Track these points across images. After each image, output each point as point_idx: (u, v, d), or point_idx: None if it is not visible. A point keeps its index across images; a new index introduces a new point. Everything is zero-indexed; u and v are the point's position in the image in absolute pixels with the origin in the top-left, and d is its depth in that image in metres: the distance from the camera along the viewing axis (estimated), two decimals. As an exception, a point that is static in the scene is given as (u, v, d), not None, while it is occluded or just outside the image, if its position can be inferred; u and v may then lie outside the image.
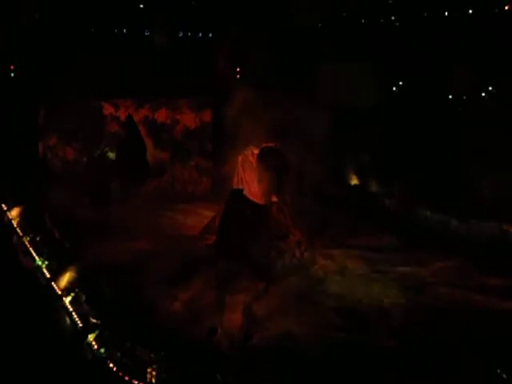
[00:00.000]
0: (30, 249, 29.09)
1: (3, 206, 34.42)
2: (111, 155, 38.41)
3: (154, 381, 17.97)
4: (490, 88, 35.95)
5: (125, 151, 39.17)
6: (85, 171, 38.45)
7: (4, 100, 37.64)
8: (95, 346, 20.09)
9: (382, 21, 39.51)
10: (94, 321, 21.40)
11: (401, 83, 38.90)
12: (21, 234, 31.13)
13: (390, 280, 26.19)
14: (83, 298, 23.11)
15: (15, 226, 32.16)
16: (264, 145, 32.09)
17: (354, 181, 37.41)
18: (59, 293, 24.31)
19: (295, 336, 21.43)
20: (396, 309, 23.55)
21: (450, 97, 36.93)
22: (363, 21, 39.83)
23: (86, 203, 35.65)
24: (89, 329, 21.12)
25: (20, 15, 38.53)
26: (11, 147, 37.03)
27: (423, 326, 22.06)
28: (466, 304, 23.71)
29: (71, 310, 22.73)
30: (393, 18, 39.12)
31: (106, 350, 19.74)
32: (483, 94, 36.13)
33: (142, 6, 41.55)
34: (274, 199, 30.45)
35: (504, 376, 16.88)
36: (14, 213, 33.41)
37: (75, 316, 22.24)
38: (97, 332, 20.70)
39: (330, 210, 33.80)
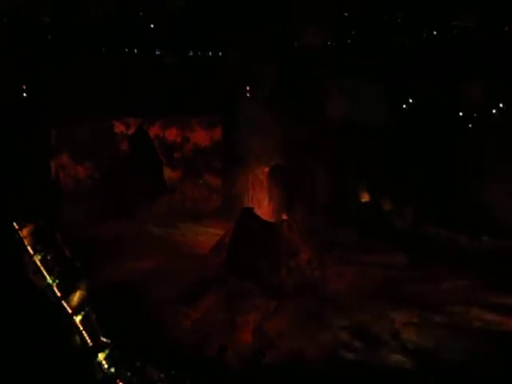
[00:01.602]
0: (41, 267, 29.14)
1: (15, 224, 34.53)
2: None
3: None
4: (501, 105, 35.89)
5: (138, 165, 39.22)
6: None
7: (16, 120, 37.95)
8: (105, 365, 20.07)
9: (392, 40, 39.66)
10: (104, 340, 21.38)
11: (411, 101, 38.90)
12: (32, 252, 31.18)
13: (401, 298, 25.98)
14: (93, 316, 23.11)
15: (26, 244, 32.24)
16: (274, 163, 32.21)
17: (365, 198, 37.28)
18: (69, 311, 24.32)
19: (306, 355, 21.35)
20: (407, 328, 23.39)
21: (461, 114, 36.87)
22: (373, 39, 39.99)
23: (98, 220, 35.68)
24: (99, 348, 21.11)
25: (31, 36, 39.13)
26: (24, 167, 37.26)
27: (435, 345, 21.91)
28: (479, 323, 23.50)
29: (81, 328, 22.73)
30: (402, 37, 39.29)
31: (115, 369, 19.71)
32: (494, 111, 36.06)
33: (152, 26, 41.95)
34: (285, 217, 30.42)
35: None
36: (26, 231, 33.49)
37: (85, 335, 22.23)
38: (107, 351, 20.68)
39: (341, 227, 33.66)
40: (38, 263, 29.51)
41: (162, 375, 18.60)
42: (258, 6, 39.47)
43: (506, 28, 35.47)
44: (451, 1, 37.19)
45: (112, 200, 38.20)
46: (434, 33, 37.90)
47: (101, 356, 20.46)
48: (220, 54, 41.64)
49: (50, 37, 40.58)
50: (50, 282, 27.29)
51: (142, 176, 38.62)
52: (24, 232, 33.10)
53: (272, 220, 30.49)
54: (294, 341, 22.43)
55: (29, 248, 31.58)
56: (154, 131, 40.59)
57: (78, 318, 23.40)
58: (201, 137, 40.90)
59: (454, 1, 37.09)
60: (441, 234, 32.10)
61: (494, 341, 21.90)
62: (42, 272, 28.64)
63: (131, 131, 40.33)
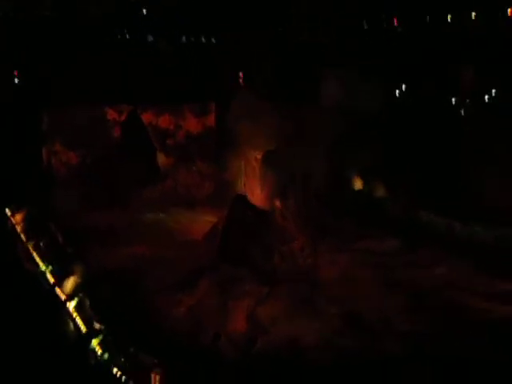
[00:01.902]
0: (34, 254, 29.12)
1: (7, 211, 34.45)
2: None
3: (157, 386, 18.00)
4: (493, 92, 35.94)
5: (130, 151, 39.12)
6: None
7: (7, 106, 37.75)
8: (99, 351, 20.11)
9: (385, 26, 39.57)
10: (98, 326, 21.42)
11: (404, 87, 38.90)
12: (25, 239, 31.15)
13: (394, 284, 26.09)
14: (87, 303, 23.14)
15: (19, 231, 32.19)
16: (267, 150, 32.17)
17: (358, 185, 37.33)
18: (63, 298, 24.34)
19: (299, 342, 21.42)
20: (400, 314, 23.50)
21: (453, 100, 36.90)
22: (366, 26, 39.89)
23: (90, 207, 35.66)
24: (92, 334, 21.14)
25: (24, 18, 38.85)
26: (15, 153, 37.11)
27: (429, 331, 22.02)
28: (472, 309, 23.64)
29: (75, 315, 22.76)
30: (396, 23, 39.19)
31: (109, 355, 19.76)
32: (486, 97, 36.11)
33: (145, 11, 41.69)
34: (278, 204, 30.46)
35: None
36: (18, 218, 33.43)
37: (79, 321, 22.26)
38: (100, 337, 20.72)
39: (334, 214, 33.71)
40: (31, 250, 29.50)
41: (155, 361, 18.64)
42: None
43: (500, 14, 35.42)
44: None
45: (104, 187, 38.17)
46: (427, 20, 37.80)
47: (94, 342, 20.50)
48: (213, 40, 41.46)
49: (41, 23, 40.26)
50: (43, 268, 27.30)
51: (135, 162, 38.58)
52: (16, 218, 33.07)
53: (265, 207, 30.53)
54: (286, 327, 22.51)
55: (21, 235, 31.55)
56: (146, 118, 40.51)
57: (71, 305, 23.42)
58: (193, 124, 40.87)
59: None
60: (433, 220, 32.21)
61: (486, 327, 22.04)
62: (34, 259, 28.65)
63: (124, 118, 40.22)
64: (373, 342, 21.47)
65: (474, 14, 35.88)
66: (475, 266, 27.62)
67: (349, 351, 20.87)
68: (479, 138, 32.54)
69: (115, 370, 18.88)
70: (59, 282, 25.33)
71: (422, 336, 21.84)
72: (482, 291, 25.20)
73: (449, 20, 37.25)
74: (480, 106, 36.09)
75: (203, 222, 33.52)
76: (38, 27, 39.25)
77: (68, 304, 23.45)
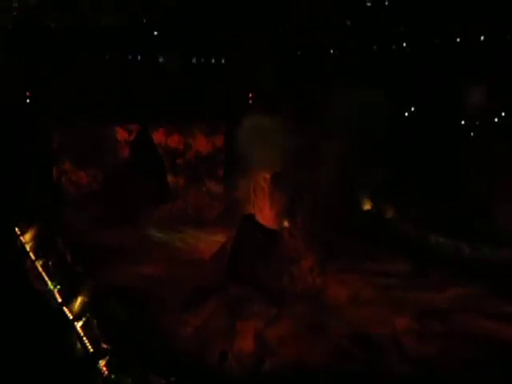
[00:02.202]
0: (43, 273, 29.20)
1: (16, 229, 34.62)
2: None
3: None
4: (503, 113, 35.93)
5: (140, 171, 39.25)
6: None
7: (19, 125, 38.08)
8: (106, 372, 20.05)
9: (393, 47, 39.74)
10: (105, 346, 21.38)
11: (413, 108, 38.95)
12: (33, 257, 31.26)
13: (403, 306, 25.90)
14: (95, 322, 23.12)
15: (28, 249, 32.32)
16: (276, 170, 32.21)
17: (367, 206, 37.24)
18: (71, 317, 24.34)
19: (307, 363, 21.29)
20: (409, 336, 23.33)
21: (463, 122, 36.89)
22: (375, 47, 40.07)
23: (100, 226, 35.74)
24: (100, 354, 21.10)
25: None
26: (25, 172, 37.36)
27: (436, 353, 21.85)
28: (480, 331, 23.44)
29: (82, 334, 22.74)
30: (404, 44, 39.35)
31: (116, 376, 19.70)
32: (496, 120, 36.09)
33: (156, 33, 42.09)
34: (286, 224, 30.41)
35: None
36: (28, 236, 33.59)
37: (86, 341, 22.23)
38: (108, 357, 20.67)
39: (343, 234, 33.61)
40: (40, 269, 29.59)
41: (163, 382, 18.57)
42: (260, 9, 39.65)
43: (508, 36, 35.52)
44: (454, 9, 37.24)
45: (114, 206, 38.28)
46: (436, 41, 37.93)
47: (101, 362, 20.45)
48: (223, 61, 41.76)
49: (53, 42, 40.71)
50: (52, 287, 27.34)
51: (146, 182, 38.69)
52: (26, 237, 33.22)
53: (273, 227, 30.47)
54: (294, 348, 22.39)
55: (31, 253, 31.67)
56: (156, 138, 40.73)
57: (79, 324, 23.42)
58: (203, 144, 41.01)
59: (456, 9, 37.14)
60: (442, 242, 32.05)
61: (494, 349, 21.84)
62: (43, 277, 28.72)
63: (133, 137, 40.47)
64: (382, 364, 21.28)
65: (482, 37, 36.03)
66: (484, 288, 27.43)
67: (357, 373, 20.71)
68: (489, 160, 32.42)
69: (122, 390, 18.79)
70: (67, 301, 25.33)
71: (431, 358, 21.63)
72: (490, 313, 24.99)
73: (458, 41, 37.37)
74: (490, 127, 36.06)
75: (212, 241, 33.48)
76: (47, 42, 39.71)
77: (75, 323, 23.43)
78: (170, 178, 40.84)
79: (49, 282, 27.52)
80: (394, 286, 28.27)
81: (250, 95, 40.51)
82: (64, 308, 24.91)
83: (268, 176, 32.21)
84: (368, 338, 23.36)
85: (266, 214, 31.78)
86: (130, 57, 42.19)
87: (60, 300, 25.74)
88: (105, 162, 39.83)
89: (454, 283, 28.23)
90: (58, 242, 31.61)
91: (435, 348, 22.47)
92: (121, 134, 40.41)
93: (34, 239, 32.68)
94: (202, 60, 42.09)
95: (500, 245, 30.12)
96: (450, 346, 22.48)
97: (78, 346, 22.26)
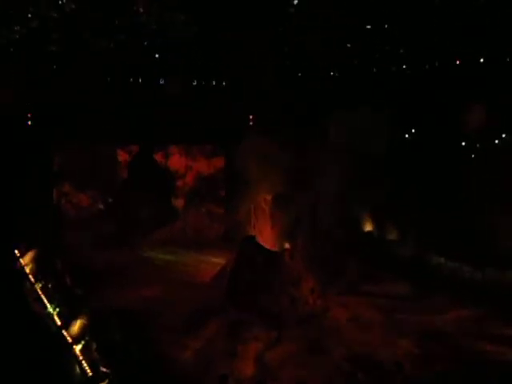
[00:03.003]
0: (42, 296, 29.07)
1: (16, 252, 34.54)
2: None
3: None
4: (504, 135, 36.01)
5: (141, 192, 39.25)
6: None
7: (20, 147, 38.19)
8: (104, 396, 19.90)
9: (393, 69, 39.97)
10: (104, 370, 21.21)
11: (413, 130, 39.06)
12: (33, 280, 31.15)
13: (405, 329, 25.76)
14: (94, 346, 22.97)
15: (28, 272, 32.21)
16: (277, 192, 32.24)
17: (368, 227, 37.19)
18: (70, 340, 24.19)
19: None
20: (411, 358, 23.15)
21: (463, 144, 36.96)
22: (375, 70, 40.31)
23: (99, 248, 35.71)
24: (99, 378, 20.93)
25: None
26: (26, 194, 37.37)
27: (438, 376, 21.67)
28: (482, 355, 23.28)
29: (81, 358, 22.58)
30: (404, 66, 39.58)
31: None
32: (496, 141, 36.16)
33: (157, 55, 42.39)
34: (287, 246, 30.35)
35: None
36: (27, 259, 33.51)
37: (85, 364, 22.07)
38: (107, 381, 20.51)
39: (344, 256, 33.53)
40: (39, 291, 29.46)
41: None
42: (262, 24, 39.97)
43: (508, 59, 35.73)
44: (454, 31, 37.53)
45: (115, 228, 38.29)
46: (436, 64, 38.15)
47: (100, 386, 20.27)
48: (224, 83, 41.99)
49: (54, 65, 41.01)
50: (51, 310, 27.20)
51: (146, 203, 38.65)
52: (25, 260, 33.13)
53: (274, 249, 30.41)
54: (295, 371, 22.22)
55: (30, 276, 31.56)
56: (156, 159, 40.85)
57: (78, 348, 23.26)
58: (204, 165, 41.12)
59: (456, 31, 37.43)
60: (444, 263, 31.94)
61: (497, 373, 21.64)
62: (42, 300, 28.58)
63: (132, 158, 40.59)
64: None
65: (482, 59, 36.25)
66: (487, 310, 27.28)
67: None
68: (490, 180, 32.45)
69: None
70: (66, 324, 25.19)
71: (433, 381, 21.47)
72: (493, 336, 24.84)
73: (457, 63, 37.58)
74: (491, 148, 36.14)
75: (212, 263, 33.41)
76: (48, 64, 39.99)
77: (74, 347, 23.28)
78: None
79: (48, 305, 27.37)
80: (395, 308, 28.14)
81: (251, 117, 40.68)
82: (63, 331, 24.74)
83: (269, 197, 32.21)
84: (369, 360, 23.20)
85: (266, 236, 31.72)
86: (131, 80, 42.45)
87: (59, 323, 25.58)
88: (105, 183, 39.90)
89: (455, 305, 28.09)
90: (57, 264, 31.52)
91: (437, 371, 22.29)
92: (122, 156, 40.52)
93: (34, 261, 32.60)
94: (203, 82, 42.35)
95: (502, 266, 29.99)
96: (452, 369, 22.30)
97: (77, 369, 22.08)
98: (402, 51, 40.24)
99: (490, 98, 34.59)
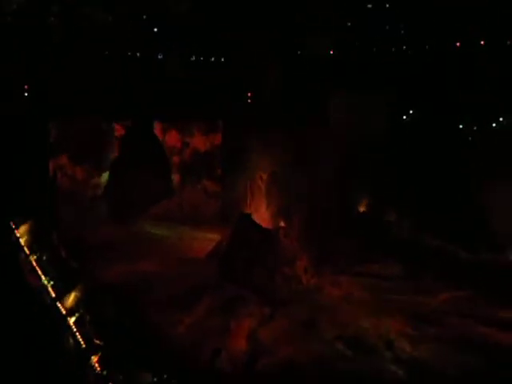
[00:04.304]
0: (37, 267, 29.11)
1: (11, 223, 34.51)
2: None
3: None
4: (501, 119, 35.96)
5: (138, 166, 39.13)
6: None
7: (17, 118, 38.00)
8: (98, 368, 20.00)
9: (393, 50, 39.71)
10: (98, 342, 21.34)
11: (411, 111, 38.94)
12: (28, 252, 31.17)
13: (396, 309, 25.95)
14: (87, 318, 23.07)
15: (22, 244, 32.22)
16: (273, 170, 32.23)
17: (364, 208, 37.27)
18: (64, 313, 24.28)
19: (300, 364, 21.30)
20: (402, 339, 23.35)
21: (461, 126, 36.92)
22: (375, 50, 40.04)
23: (94, 222, 35.69)
24: (92, 350, 21.05)
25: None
26: (22, 165, 37.25)
27: (430, 357, 21.87)
28: (474, 336, 23.48)
29: (75, 330, 22.69)
30: (404, 47, 39.32)
31: (108, 372, 19.65)
32: (494, 125, 36.12)
33: (156, 30, 42.01)
34: (282, 224, 30.42)
35: None
36: (22, 230, 33.49)
37: (79, 336, 22.18)
38: (100, 353, 20.63)
39: (338, 235, 33.64)
40: (34, 263, 29.51)
41: (154, 379, 18.53)
42: (262, 10, 39.58)
43: (508, 42, 35.56)
44: (455, 13, 37.27)
45: (110, 202, 38.27)
46: (437, 46, 37.92)
47: (94, 358, 20.39)
48: (222, 59, 41.69)
49: (52, 37, 40.62)
50: (45, 282, 27.27)
51: (145, 178, 38.50)
52: (20, 231, 33.11)
53: (269, 226, 30.48)
54: (287, 349, 22.39)
55: (25, 248, 31.58)
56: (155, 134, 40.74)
57: (72, 320, 23.35)
58: (201, 141, 40.94)
59: (458, 14, 37.17)
60: (439, 246, 32.08)
61: (488, 355, 21.86)
62: (37, 272, 28.63)
63: (129, 134, 40.42)
64: (375, 366, 21.30)
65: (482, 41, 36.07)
66: (479, 291, 27.49)
67: (349, 374, 20.71)
68: (487, 162, 32.49)
69: (113, 387, 18.75)
70: (60, 297, 25.26)
71: (424, 361, 21.68)
72: (485, 317, 25.03)
73: (457, 45, 37.38)
74: (489, 131, 36.11)
75: (207, 240, 33.48)
76: (45, 37, 39.62)
77: (68, 319, 23.36)
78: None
79: (43, 277, 27.42)
80: (388, 288, 28.33)
81: (249, 94, 40.49)
82: (57, 303, 24.81)
83: (265, 175, 32.21)
84: (361, 339, 23.39)
85: (262, 214, 31.78)
86: (129, 53, 42.08)
87: (53, 295, 25.65)
88: (102, 158, 39.79)
89: (449, 287, 28.28)
90: (52, 236, 31.55)
91: (428, 351, 22.52)
92: (118, 131, 40.35)
93: (29, 233, 32.58)
94: (202, 58, 42.05)
95: (496, 248, 30.16)
96: (444, 350, 22.50)
97: (71, 341, 22.19)
98: (402, 32, 39.96)
99: (490, 80, 34.51)
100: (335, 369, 21.11)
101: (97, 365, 19.97)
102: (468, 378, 20.25)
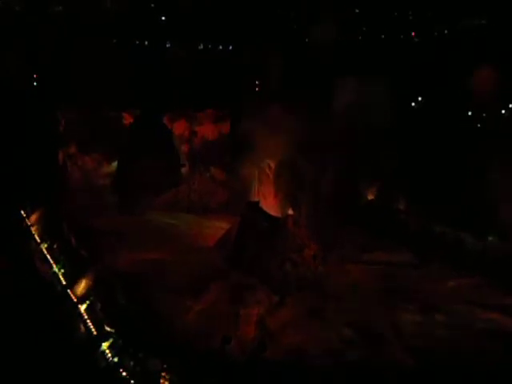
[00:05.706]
0: (48, 256, 29.38)
1: (22, 212, 34.82)
2: None
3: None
4: (511, 105, 35.86)
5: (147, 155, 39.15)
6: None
7: (26, 108, 38.20)
8: (108, 354, 20.24)
9: (401, 36, 39.64)
10: (109, 329, 21.56)
11: (420, 99, 38.88)
12: (39, 240, 31.45)
13: (404, 296, 26.00)
14: (98, 306, 23.30)
15: (33, 232, 32.51)
16: (281, 158, 32.26)
17: (372, 196, 37.25)
18: (75, 300, 24.53)
19: (308, 351, 21.41)
20: (411, 326, 23.42)
21: (470, 113, 36.83)
22: (383, 36, 39.96)
23: (104, 211, 35.82)
24: (103, 337, 21.28)
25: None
26: (32, 155, 37.49)
27: (438, 344, 21.92)
28: (481, 323, 23.53)
29: (86, 317, 22.93)
30: (413, 33, 39.23)
31: (119, 359, 19.88)
32: (503, 112, 36.02)
33: (163, 18, 42.06)
34: (290, 212, 30.47)
35: None
36: (33, 219, 33.78)
37: (90, 324, 22.42)
38: (111, 340, 20.86)
39: (346, 223, 33.67)
40: (45, 251, 29.78)
41: (164, 365, 18.74)
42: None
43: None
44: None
45: (120, 191, 38.41)
46: (445, 31, 37.79)
47: (104, 345, 20.63)
48: (230, 48, 41.73)
49: (60, 26, 40.75)
50: (56, 270, 27.54)
51: (153, 167, 38.54)
52: (31, 220, 33.39)
53: (278, 215, 30.54)
54: (296, 336, 22.51)
55: (36, 236, 31.86)
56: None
57: (82, 307, 23.60)
58: (209, 130, 41.03)
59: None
60: (446, 233, 32.05)
61: (496, 341, 21.92)
62: (48, 260, 28.91)
63: (137, 123, 40.49)
64: (382, 353, 21.41)
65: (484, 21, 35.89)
66: (487, 279, 27.54)
67: (357, 361, 20.83)
68: (496, 151, 32.37)
69: (124, 373, 18.99)
70: (71, 284, 25.52)
71: (432, 348, 21.73)
72: (492, 304, 25.08)
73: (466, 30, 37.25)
74: (497, 119, 36.00)
75: (216, 228, 33.57)
76: (55, 27, 39.75)
77: (79, 306, 23.61)
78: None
79: (54, 265, 27.70)
80: (396, 276, 28.38)
81: (257, 82, 40.52)
82: (68, 291, 25.08)
83: (273, 164, 32.25)
84: (369, 327, 23.45)
85: (270, 202, 31.85)
86: (137, 42, 42.18)
87: (64, 283, 25.93)
88: (111, 147, 39.89)
89: (456, 274, 28.35)
90: (62, 225, 31.77)
91: (436, 338, 22.55)
92: (127, 119, 40.46)
93: (40, 222, 32.88)
94: (210, 46, 42.09)
95: (504, 236, 30.10)
96: (451, 337, 22.54)
97: (82, 328, 22.44)
98: (410, 18, 39.85)
99: (500, 68, 34.36)
100: (343, 356, 21.20)
101: (108, 351, 20.20)
102: (476, 364, 20.31)
